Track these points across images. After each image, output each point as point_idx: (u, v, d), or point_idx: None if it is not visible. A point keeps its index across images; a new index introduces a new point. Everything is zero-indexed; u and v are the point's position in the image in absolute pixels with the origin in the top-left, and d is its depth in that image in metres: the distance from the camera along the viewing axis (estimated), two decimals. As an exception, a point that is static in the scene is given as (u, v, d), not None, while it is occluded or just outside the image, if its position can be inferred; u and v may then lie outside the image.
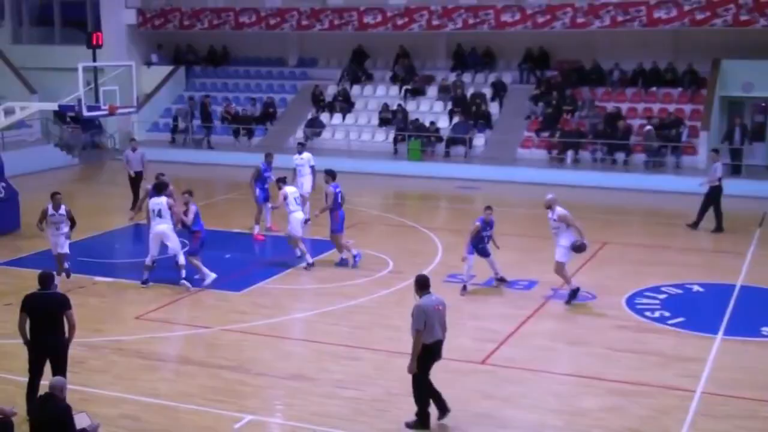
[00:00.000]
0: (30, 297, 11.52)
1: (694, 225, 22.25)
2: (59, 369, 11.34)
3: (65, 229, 17.51)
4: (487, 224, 17.25)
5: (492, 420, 11.75)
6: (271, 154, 22.47)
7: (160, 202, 17.42)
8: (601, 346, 14.40)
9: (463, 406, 12.07)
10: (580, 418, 11.78)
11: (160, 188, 17.90)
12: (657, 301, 16.67)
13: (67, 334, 11.47)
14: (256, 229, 21.35)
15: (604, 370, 13.39)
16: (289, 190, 18.95)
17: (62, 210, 17.47)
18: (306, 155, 22.62)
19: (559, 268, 16.54)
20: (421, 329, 11.11)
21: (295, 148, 24.20)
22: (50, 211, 17.45)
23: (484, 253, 17.37)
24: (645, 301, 16.72)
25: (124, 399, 12.36)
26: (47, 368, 11.47)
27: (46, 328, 11.35)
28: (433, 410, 11.45)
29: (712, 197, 22.13)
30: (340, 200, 19.15)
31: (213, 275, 17.27)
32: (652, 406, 12.14)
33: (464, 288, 17.14)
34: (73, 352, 13.31)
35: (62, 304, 11.40)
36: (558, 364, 13.66)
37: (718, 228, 22.07)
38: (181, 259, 17.34)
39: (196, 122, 35.41)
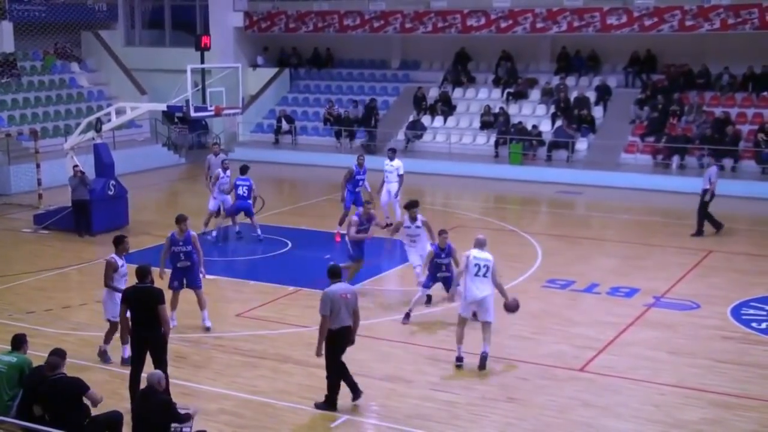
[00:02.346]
0: (128, 290, 11.99)
1: (699, 233, 21.94)
2: (159, 362, 11.68)
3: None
4: (442, 251, 15.57)
5: (590, 429, 11.60)
6: (363, 155, 22.46)
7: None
8: (705, 357, 14.06)
9: (560, 413, 11.98)
10: (681, 430, 11.53)
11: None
12: (764, 312, 16.18)
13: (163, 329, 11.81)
14: (338, 229, 21.43)
15: (706, 381, 13.08)
16: None
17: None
18: (396, 162, 22.48)
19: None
20: (327, 315, 11.67)
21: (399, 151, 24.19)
22: (118, 261, 13.66)
23: (447, 283, 15.56)
24: (751, 311, 16.25)
25: (224, 395, 12.61)
26: (149, 361, 11.81)
27: (143, 320, 11.80)
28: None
29: (705, 202, 21.96)
30: (240, 192, 20.87)
31: None
32: (756, 420, 11.82)
33: (407, 316, 15.71)
34: (176, 346, 13.72)
35: (155, 298, 11.77)
36: (659, 373, 13.38)
37: (718, 228, 22.03)
38: None
39: (303, 125, 35.83)
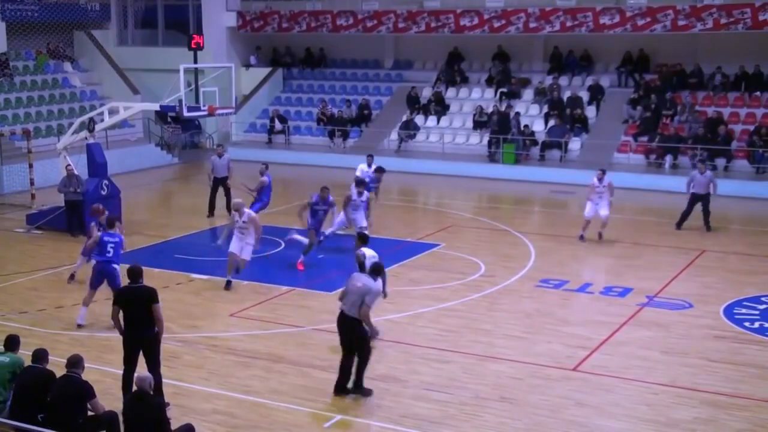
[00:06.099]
0: (121, 290, 11.97)
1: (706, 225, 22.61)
2: (152, 362, 11.65)
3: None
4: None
5: (583, 428, 11.60)
6: (266, 164, 22.43)
7: None
8: (697, 356, 14.08)
9: (553, 412, 11.98)
10: (673, 429, 11.55)
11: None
12: (757, 312, 16.22)
13: (156, 328, 11.80)
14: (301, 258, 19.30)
15: (699, 380, 13.10)
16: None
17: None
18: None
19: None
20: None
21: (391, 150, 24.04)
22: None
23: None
24: (744, 311, 16.29)
25: (217, 395, 12.59)
26: (142, 361, 11.80)
27: (136, 320, 11.78)
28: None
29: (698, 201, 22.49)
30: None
31: None
32: (748, 419, 11.83)
33: None
34: (169, 346, 13.70)
35: (149, 297, 11.76)
36: (651, 373, 13.40)
37: (679, 225, 22.71)
38: None
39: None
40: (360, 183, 20.20)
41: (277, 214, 23.11)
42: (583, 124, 31.98)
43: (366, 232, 17.11)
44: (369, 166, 22.67)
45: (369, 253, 14.23)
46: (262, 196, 21.92)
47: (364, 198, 19.92)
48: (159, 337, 11.88)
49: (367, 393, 12.47)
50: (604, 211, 21.31)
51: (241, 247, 17.34)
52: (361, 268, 13.49)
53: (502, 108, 32.76)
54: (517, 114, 32.35)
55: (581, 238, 21.44)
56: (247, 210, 17.41)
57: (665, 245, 21.17)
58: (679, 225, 22.58)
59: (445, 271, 18.83)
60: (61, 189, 22.11)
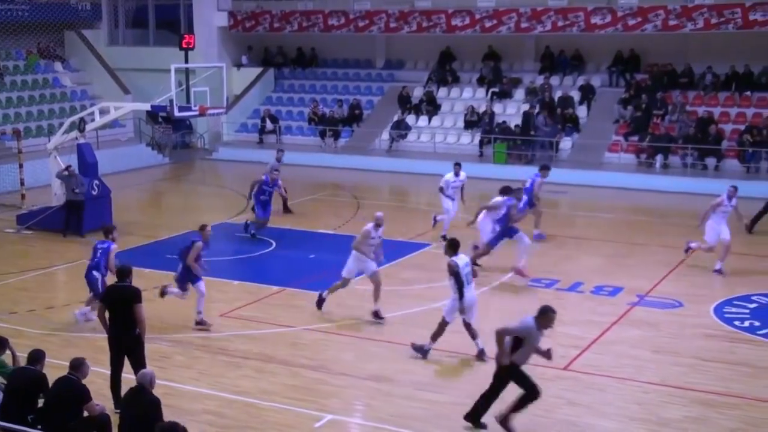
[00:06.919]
0: (107, 288, 11.99)
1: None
2: (136, 363, 11.64)
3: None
4: None
5: (574, 427, 11.63)
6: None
7: None
8: (688, 355, 14.11)
9: (545, 412, 11.97)
10: (664, 428, 11.57)
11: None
12: (747, 311, 16.27)
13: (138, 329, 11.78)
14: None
15: (690, 379, 13.13)
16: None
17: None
18: None
19: None
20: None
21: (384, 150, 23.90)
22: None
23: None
24: (734, 310, 16.33)
25: (207, 395, 12.57)
26: (128, 361, 11.78)
27: (120, 320, 11.77)
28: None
29: None
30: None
31: None
32: (740, 418, 11.87)
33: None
34: (160, 347, 13.68)
35: (132, 297, 11.75)
36: (642, 372, 13.42)
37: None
38: None
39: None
40: (507, 190, 19.42)
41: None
42: (574, 123, 32.01)
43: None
44: (456, 175, 22.36)
45: (462, 261, 13.73)
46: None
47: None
48: (141, 339, 11.83)
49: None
50: (726, 235, 18.62)
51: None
52: (457, 277, 13.38)
53: (498, 107, 32.88)
54: (548, 107, 32.01)
55: (719, 271, 18.73)
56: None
57: (656, 244, 21.19)
58: (751, 227, 22.30)
59: (436, 270, 18.72)
60: (58, 175, 22.06)
